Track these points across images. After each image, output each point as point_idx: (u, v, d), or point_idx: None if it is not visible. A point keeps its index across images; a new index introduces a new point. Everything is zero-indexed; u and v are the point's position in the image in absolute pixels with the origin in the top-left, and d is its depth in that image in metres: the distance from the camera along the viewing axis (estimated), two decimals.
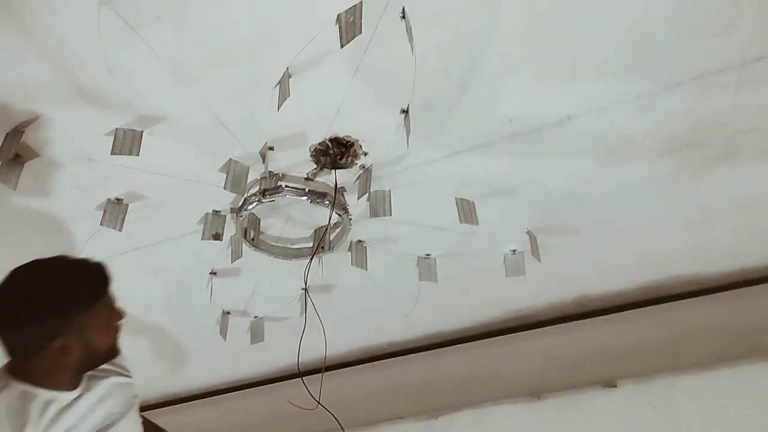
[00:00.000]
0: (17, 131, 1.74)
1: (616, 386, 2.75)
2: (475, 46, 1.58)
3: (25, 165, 1.83)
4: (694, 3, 1.50)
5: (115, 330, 1.68)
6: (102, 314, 1.60)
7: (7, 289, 1.51)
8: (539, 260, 2.20)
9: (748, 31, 1.56)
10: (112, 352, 1.66)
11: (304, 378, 2.22)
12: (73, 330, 1.50)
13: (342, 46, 1.45)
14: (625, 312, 2.57)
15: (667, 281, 2.47)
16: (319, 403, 2.09)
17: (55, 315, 1.47)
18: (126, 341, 2.69)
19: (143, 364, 2.90)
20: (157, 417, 3.15)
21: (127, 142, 1.75)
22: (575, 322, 2.62)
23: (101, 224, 1.99)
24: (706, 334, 2.57)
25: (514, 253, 2.27)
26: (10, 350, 1.49)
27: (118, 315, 1.68)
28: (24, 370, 1.50)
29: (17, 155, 1.79)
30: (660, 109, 1.76)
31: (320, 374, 2.36)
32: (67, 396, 1.54)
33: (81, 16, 1.47)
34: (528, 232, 2.18)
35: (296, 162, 1.92)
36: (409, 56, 1.55)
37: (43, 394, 1.50)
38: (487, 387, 2.82)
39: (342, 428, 2.34)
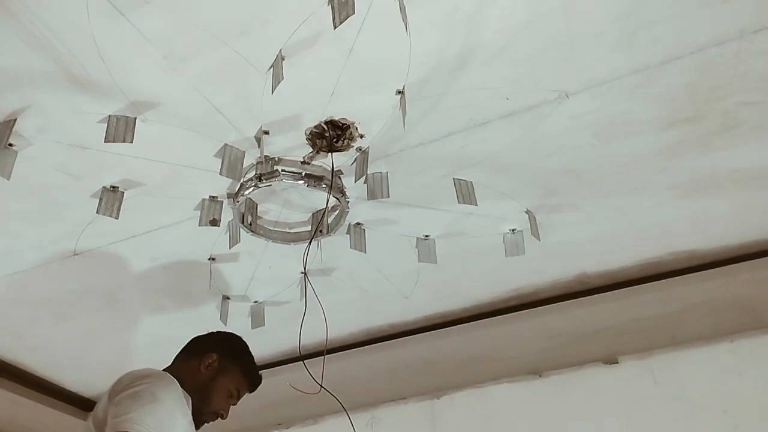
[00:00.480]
0: (9, 120, 1.72)
1: (617, 362, 2.75)
2: (469, 22, 1.56)
3: (19, 154, 1.81)
4: None
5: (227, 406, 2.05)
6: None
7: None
8: (539, 239, 2.19)
9: (747, 2, 1.53)
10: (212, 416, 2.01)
11: (305, 361, 2.22)
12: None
13: (335, 27, 1.43)
14: (625, 288, 2.56)
15: (667, 256, 2.46)
16: (321, 386, 2.09)
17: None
18: (126, 327, 2.72)
19: (144, 350, 2.91)
20: None
21: (120, 129, 1.74)
22: (576, 299, 2.62)
23: (97, 212, 1.98)
24: (707, 309, 2.57)
25: (514, 233, 2.26)
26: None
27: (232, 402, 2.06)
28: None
29: (10, 144, 1.78)
30: (659, 84, 1.75)
31: (321, 357, 2.36)
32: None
33: (70, 2, 1.45)
34: (527, 211, 2.17)
35: (292, 146, 1.90)
36: (403, 35, 1.53)
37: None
38: (488, 366, 2.83)
39: (346, 411, 2.34)
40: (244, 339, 2.14)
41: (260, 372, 2.15)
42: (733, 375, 2.52)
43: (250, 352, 2.11)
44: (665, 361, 2.68)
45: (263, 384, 3.01)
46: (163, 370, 1.94)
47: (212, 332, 2.15)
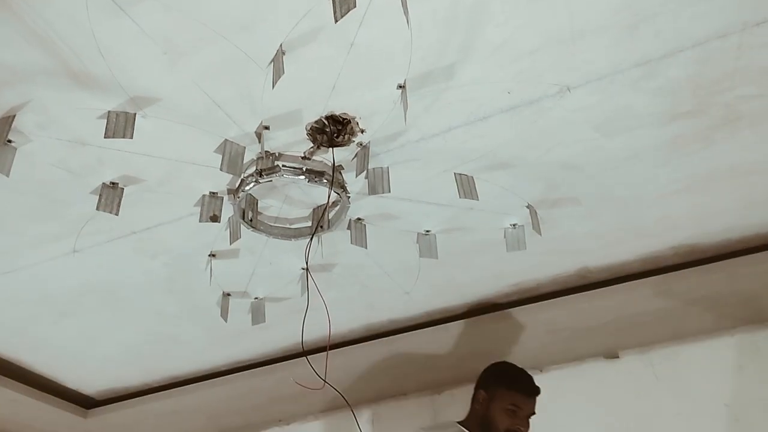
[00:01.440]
0: (8, 116, 1.71)
1: (618, 357, 2.76)
2: (471, 16, 1.55)
3: (18, 150, 1.80)
4: None
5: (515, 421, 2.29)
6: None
7: None
8: (540, 234, 2.18)
9: None
10: None
11: (305, 357, 2.22)
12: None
13: (336, 21, 1.42)
14: (626, 283, 2.56)
15: (668, 251, 2.46)
16: (326, 382, 2.08)
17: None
18: (126, 324, 2.71)
19: (145, 347, 2.90)
20: (161, 400, 3.18)
21: (120, 125, 1.72)
22: (577, 294, 2.62)
23: (97, 209, 1.96)
24: (708, 303, 2.58)
25: (515, 228, 2.26)
26: None
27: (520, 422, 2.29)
28: None
29: (9, 141, 1.77)
30: (660, 77, 1.74)
31: (321, 353, 2.35)
32: None
33: None
34: (528, 206, 2.17)
35: (293, 141, 1.89)
36: (404, 29, 1.52)
37: None
38: (489, 361, 2.81)
39: (350, 407, 2.34)
40: (507, 362, 2.45)
41: (526, 377, 2.38)
42: (734, 369, 2.53)
43: (511, 370, 2.41)
44: (666, 355, 2.69)
45: (264, 380, 3.04)
46: None
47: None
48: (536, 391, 2.35)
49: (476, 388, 2.42)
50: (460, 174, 2.01)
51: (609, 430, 2.68)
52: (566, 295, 2.64)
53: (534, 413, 2.34)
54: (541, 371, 2.80)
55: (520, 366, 2.44)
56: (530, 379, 2.38)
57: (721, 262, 2.47)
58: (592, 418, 2.69)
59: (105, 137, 1.71)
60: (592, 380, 2.75)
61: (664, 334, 2.70)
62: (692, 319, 2.61)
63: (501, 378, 2.38)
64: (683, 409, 2.52)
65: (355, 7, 1.39)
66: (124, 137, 1.72)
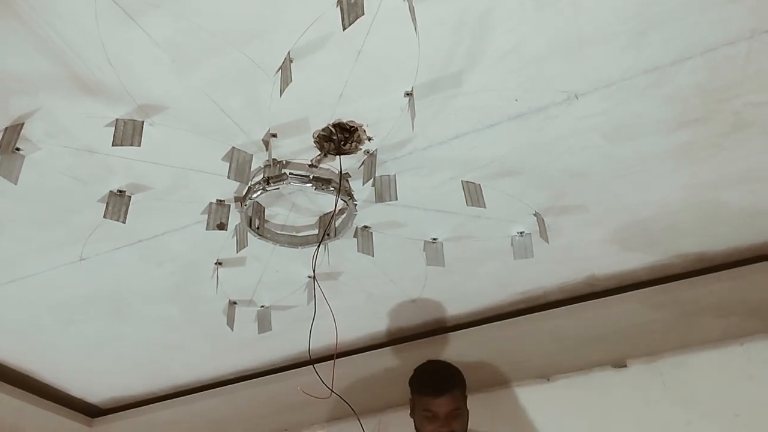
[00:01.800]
0: (17, 125, 1.72)
1: (626, 366, 2.74)
2: (479, 23, 1.55)
3: (26, 158, 1.81)
4: None
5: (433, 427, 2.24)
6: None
7: None
8: (547, 242, 2.18)
9: (757, 1, 1.53)
10: None
11: (312, 366, 2.21)
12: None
13: (344, 29, 1.42)
14: (634, 291, 2.55)
15: (676, 258, 2.45)
16: (332, 391, 2.07)
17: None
18: (132, 332, 2.70)
19: (150, 355, 2.90)
20: (166, 409, 3.17)
21: (128, 133, 1.73)
22: (584, 302, 2.61)
23: (104, 217, 1.96)
24: (716, 311, 2.56)
25: (522, 235, 2.25)
26: None
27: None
28: None
29: (17, 149, 1.77)
30: (668, 84, 1.74)
31: (327, 361, 2.34)
32: None
33: (78, 6, 1.44)
34: (535, 214, 2.16)
35: (300, 149, 1.89)
36: (412, 37, 1.52)
37: None
38: (497, 370, 2.82)
39: (357, 417, 2.33)
40: (426, 362, 2.41)
41: (431, 376, 2.33)
42: (743, 378, 2.51)
43: (420, 372, 2.37)
44: (675, 364, 2.67)
45: (269, 389, 3.02)
46: None
47: None
48: (443, 389, 2.23)
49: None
50: (468, 181, 2.01)
51: None
52: (573, 303, 2.63)
53: (455, 409, 2.24)
54: (548, 380, 2.78)
55: (446, 361, 2.42)
56: (435, 378, 2.28)
57: (729, 270, 2.46)
58: (599, 428, 2.66)
59: (113, 145, 1.72)
60: (600, 390, 2.73)
61: (672, 342, 2.68)
62: (700, 327, 2.60)
63: (413, 383, 2.37)
64: (692, 419, 2.49)
65: (363, 15, 1.39)
66: (132, 145, 1.72)
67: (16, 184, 1.79)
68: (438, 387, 2.25)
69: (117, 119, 1.72)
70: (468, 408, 2.34)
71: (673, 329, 2.63)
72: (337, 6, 1.45)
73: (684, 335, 2.65)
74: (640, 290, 2.54)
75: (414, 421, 2.33)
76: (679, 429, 2.51)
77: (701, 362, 2.57)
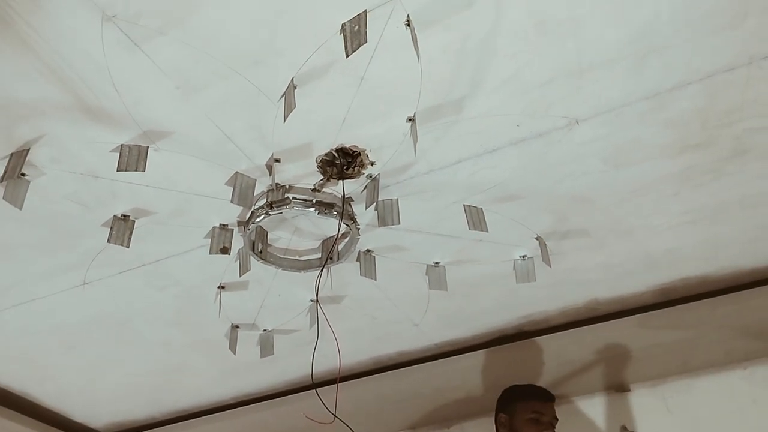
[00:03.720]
0: (22, 150, 1.73)
1: (629, 390, 2.73)
2: (481, 50, 1.57)
3: (31, 183, 1.82)
4: (699, 1, 1.49)
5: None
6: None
7: None
8: (549, 266, 2.18)
9: (756, 28, 1.55)
10: None
11: (314, 390, 2.20)
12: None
13: (347, 56, 1.44)
14: (636, 315, 2.54)
15: (678, 282, 2.44)
16: (335, 416, 2.07)
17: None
18: (134, 357, 2.70)
19: (153, 379, 2.89)
20: None
21: (132, 158, 1.74)
22: (586, 326, 2.60)
23: (108, 241, 1.97)
24: (719, 335, 2.56)
25: (524, 259, 2.26)
26: None
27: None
28: None
29: (23, 174, 1.78)
30: (669, 109, 1.75)
31: (330, 385, 2.34)
32: None
33: (84, 32, 1.46)
34: (537, 238, 2.16)
35: (303, 173, 1.91)
36: (414, 63, 1.54)
37: None
38: (499, 394, 2.80)
39: None
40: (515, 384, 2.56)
41: (538, 386, 2.53)
42: (747, 402, 2.50)
43: (521, 385, 2.54)
44: (678, 388, 2.67)
45: (272, 414, 3.01)
46: None
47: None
48: (551, 396, 2.49)
49: (496, 415, 2.53)
50: (470, 206, 2.02)
51: None
52: (576, 327, 2.62)
53: (556, 418, 2.43)
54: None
55: None
56: (542, 387, 2.53)
57: (732, 294, 2.46)
58: None
59: (118, 170, 1.73)
60: (603, 414, 2.72)
61: (675, 366, 2.67)
62: (704, 351, 2.59)
63: (515, 394, 2.52)
64: None
65: (366, 42, 1.41)
66: (136, 170, 1.73)
67: (21, 209, 1.80)
68: (547, 394, 2.50)
69: (122, 145, 1.74)
70: None
71: (676, 353, 2.62)
72: (340, 33, 1.46)
73: (687, 359, 2.64)
74: (642, 314, 2.53)
75: (509, 429, 2.45)
76: None
77: (705, 386, 2.56)
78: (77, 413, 3.12)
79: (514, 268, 2.27)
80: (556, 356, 2.68)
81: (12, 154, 1.73)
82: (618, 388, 2.81)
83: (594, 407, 2.80)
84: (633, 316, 2.55)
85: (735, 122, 1.79)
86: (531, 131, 1.80)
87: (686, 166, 1.93)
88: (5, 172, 1.73)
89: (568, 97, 1.71)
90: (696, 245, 2.27)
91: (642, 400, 2.71)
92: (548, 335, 2.66)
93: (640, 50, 1.59)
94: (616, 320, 2.57)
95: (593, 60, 1.61)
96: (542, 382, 2.74)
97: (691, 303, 2.49)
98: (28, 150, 1.73)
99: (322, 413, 2.15)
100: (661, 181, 1.99)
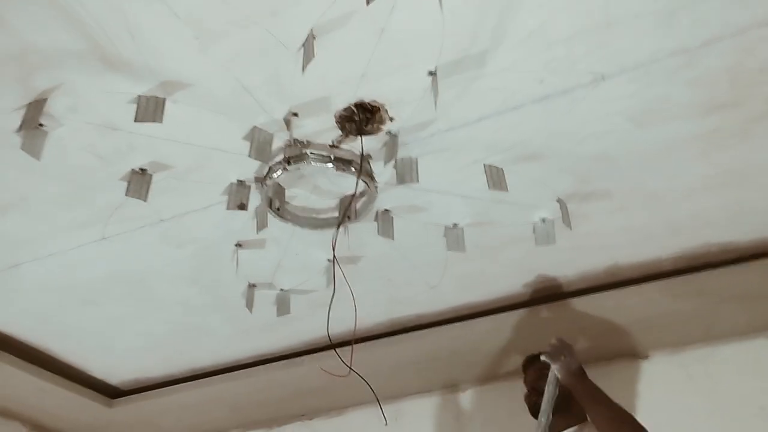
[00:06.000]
0: (40, 100, 1.72)
1: (648, 357, 2.71)
2: (505, 2, 1.52)
3: (49, 134, 1.81)
4: None
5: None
6: None
7: None
8: (570, 228, 2.15)
9: None
10: None
11: (333, 350, 2.20)
12: None
13: (367, 3, 1.41)
14: (657, 281, 2.50)
15: (702, 248, 2.40)
16: (351, 369, 2.07)
17: None
18: (151, 314, 2.72)
19: (170, 337, 2.91)
20: (185, 391, 3.19)
21: (150, 110, 1.72)
22: (606, 291, 2.56)
23: (126, 195, 1.97)
24: (742, 303, 2.52)
25: (544, 222, 2.22)
26: None
27: None
28: None
29: (40, 124, 1.77)
30: (698, 67, 1.70)
31: (346, 347, 2.33)
32: None
33: None
34: (559, 200, 2.13)
35: (321, 129, 1.88)
36: (436, 15, 1.50)
37: None
38: (515, 359, 2.79)
39: (377, 398, 2.33)
40: None
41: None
42: None
43: None
44: (699, 356, 2.64)
45: (287, 374, 3.03)
46: None
47: None
48: (527, 361, 2.51)
49: None
50: (490, 165, 1.99)
51: None
52: (595, 292, 2.59)
53: (540, 378, 2.34)
54: None
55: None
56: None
57: (756, 261, 2.41)
58: None
59: (135, 121, 1.72)
60: (621, 381, 2.70)
61: (696, 334, 2.64)
62: (726, 319, 2.55)
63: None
64: (716, 411, 2.46)
65: None
66: (153, 122, 1.72)
67: (39, 159, 1.80)
68: (525, 360, 2.55)
69: (139, 95, 1.72)
70: None
71: (697, 321, 2.59)
72: None
73: (709, 327, 2.61)
74: (663, 280, 2.49)
75: None
76: (703, 421, 2.47)
77: (726, 354, 2.53)
78: (96, 369, 3.16)
79: (533, 231, 2.24)
80: (574, 321, 2.66)
81: (29, 103, 1.72)
82: (637, 354, 2.79)
83: (611, 374, 2.78)
84: (654, 282, 2.51)
85: (767, 81, 1.73)
86: (555, 88, 1.76)
87: (714, 127, 1.88)
88: (23, 122, 1.73)
89: (594, 52, 1.66)
90: (720, 210, 2.22)
91: (661, 368, 2.68)
92: (567, 300, 2.63)
93: (669, 4, 1.54)
94: (637, 286, 2.53)
95: (620, 13, 1.56)
96: None
97: (714, 270, 2.45)
98: (46, 100, 1.72)
99: (338, 372, 2.16)
100: (688, 141, 1.94)
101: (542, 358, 2.26)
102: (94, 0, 1.49)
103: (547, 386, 2.24)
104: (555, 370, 2.22)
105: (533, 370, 2.45)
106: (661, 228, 2.30)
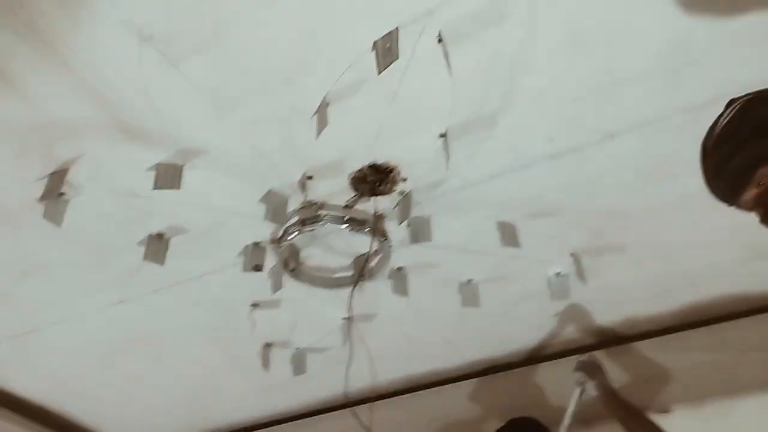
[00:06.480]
0: (62, 170, 1.77)
1: (669, 411, 2.65)
2: (513, 64, 1.56)
3: (70, 202, 1.85)
4: (735, 14, 1.47)
5: None
6: None
7: None
8: (585, 282, 2.15)
9: None
10: None
11: (348, 409, 2.19)
12: None
13: (379, 73, 1.44)
14: (676, 333, 2.48)
15: (718, 300, 2.38)
16: None
17: None
18: (168, 374, 2.72)
19: (187, 397, 2.90)
20: None
21: (168, 177, 1.77)
22: (624, 345, 2.54)
23: (144, 259, 2.00)
24: (762, 355, 2.47)
25: (559, 276, 2.22)
26: None
27: None
28: None
29: (61, 193, 1.82)
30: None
31: (362, 404, 2.32)
32: None
33: (122, 53, 1.50)
34: (572, 254, 2.13)
35: (335, 190, 1.91)
36: (446, 79, 1.54)
37: None
38: (535, 415, 2.74)
39: None
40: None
41: None
42: None
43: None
44: (720, 409, 2.58)
45: None
46: None
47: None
48: None
49: None
50: (503, 222, 2.00)
51: None
52: (613, 345, 2.57)
53: None
54: (588, 426, 2.71)
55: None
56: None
57: None
58: None
59: (153, 189, 1.75)
60: None
61: (717, 387, 2.59)
62: (747, 371, 2.51)
63: None
64: None
65: (397, 59, 1.42)
66: (171, 188, 1.76)
67: (60, 227, 1.83)
68: None
69: (158, 163, 1.76)
70: None
71: (718, 373, 2.54)
72: (372, 50, 1.47)
73: (729, 379, 2.56)
74: (682, 332, 2.47)
75: None
76: None
77: (748, 408, 2.47)
78: (113, 430, 3.14)
79: (548, 285, 2.24)
80: None
81: (52, 173, 1.77)
82: (659, 409, 2.73)
83: None
84: (672, 335, 2.49)
85: None
86: (564, 146, 1.79)
87: None
88: (45, 192, 1.77)
89: (602, 111, 1.69)
90: (736, 261, 2.22)
91: (683, 422, 2.62)
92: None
93: (674, 63, 1.57)
94: (655, 339, 2.51)
95: (626, 73, 1.59)
96: (581, 402, 2.68)
97: (733, 321, 2.43)
98: (67, 170, 1.77)
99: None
100: (698, 195, 1.92)
101: (577, 377, 2.24)
102: (115, 74, 1.54)
103: (573, 394, 2.26)
104: (590, 388, 2.24)
105: None
106: (676, 280, 2.29)
